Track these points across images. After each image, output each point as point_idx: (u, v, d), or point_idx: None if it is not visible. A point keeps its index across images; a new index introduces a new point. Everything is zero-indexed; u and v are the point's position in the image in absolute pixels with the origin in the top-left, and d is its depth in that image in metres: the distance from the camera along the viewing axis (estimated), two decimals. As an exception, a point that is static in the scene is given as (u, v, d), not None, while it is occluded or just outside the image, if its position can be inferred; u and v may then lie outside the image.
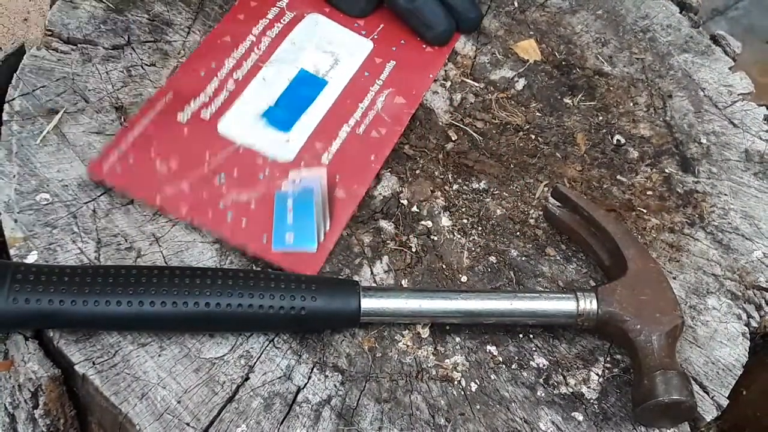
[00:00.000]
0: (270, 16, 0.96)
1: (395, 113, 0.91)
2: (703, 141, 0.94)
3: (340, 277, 0.81)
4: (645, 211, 0.89)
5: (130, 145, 0.84)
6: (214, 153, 0.85)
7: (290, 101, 0.90)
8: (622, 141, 0.94)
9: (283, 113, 0.89)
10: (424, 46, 0.97)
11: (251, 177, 0.84)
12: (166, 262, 0.79)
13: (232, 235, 0.80)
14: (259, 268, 0.79)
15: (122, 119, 0.86)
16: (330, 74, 0.93)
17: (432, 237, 0.85)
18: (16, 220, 0.79)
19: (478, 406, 0.75)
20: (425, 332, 0.78)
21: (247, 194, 0.83)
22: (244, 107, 0.88)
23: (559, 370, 0.78)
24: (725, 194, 0.91)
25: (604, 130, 0.95)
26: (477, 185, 0.89)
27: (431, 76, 0.95)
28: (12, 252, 0.77)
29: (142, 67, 0.90)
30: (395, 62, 0.95)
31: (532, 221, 0.87)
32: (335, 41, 0.95)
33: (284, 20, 0.96)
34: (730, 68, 1.01)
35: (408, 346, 0.78)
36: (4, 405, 0.75)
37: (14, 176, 0.81)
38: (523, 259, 0.84)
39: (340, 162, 0.87)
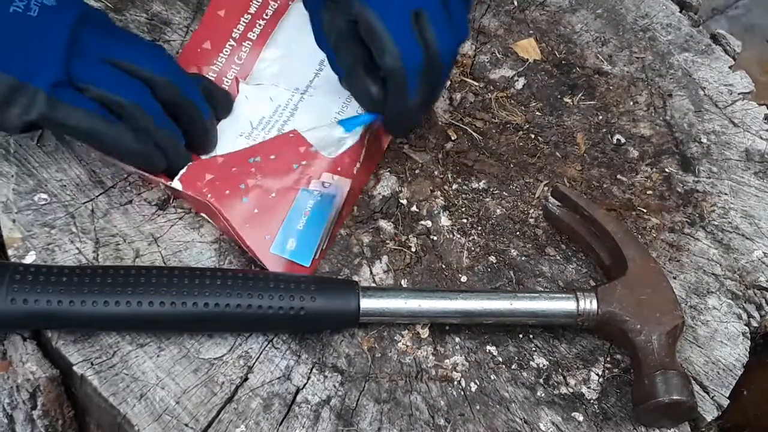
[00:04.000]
0: (252, 9, 0.91)
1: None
2: (704, 140, 0.94)
3: (339, 277, 0.81)
4: (645, 210, 0.88)
5: None
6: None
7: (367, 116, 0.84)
8: (622, 140, 0.94)
9: (354, 119, 0.84)
10: None
11: (287, 164, 0.80)
12: (164, 263, 0.79)
13: (237, 222, 0.77)
14: (258, 269, 0.79)
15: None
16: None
17: (431, 237, 0.84)
18: (14, 220, 0.78)
19: (477, 407, 0.75)
20: (425, 332, 0.78)
21: (274, 180, 0.80)
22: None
23: (559, 370, 0.78)
24: (725, 193, 0.90)
25: (604, 130, 0.94)
26: (477, 185, 0.88)
27: None
28: (10, 252, 0.77)
29: (140, 66, 0.90)
30: None
31: (531, 221, 0.87)
32: None
33: (267, 15, 0.91)
34: (730, 67, 1.00)
35: (407, 346, 0.77)
36: (2, 406, 0.75)
37: (12, 176, 0.81)
38: (523, 258, 0.84)
39: (360, 175, 0.84)
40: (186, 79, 0.81)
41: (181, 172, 0.79)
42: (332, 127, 0.83)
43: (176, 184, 0.78)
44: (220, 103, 0.86)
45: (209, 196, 0.77)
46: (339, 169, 0.82)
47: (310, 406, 0.73)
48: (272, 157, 0.81)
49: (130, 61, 0.77)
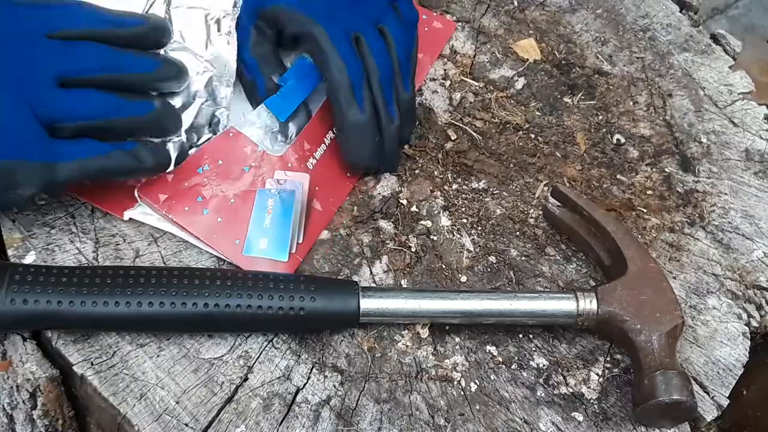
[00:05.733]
0: None
1: None
2: (703, 140, 0.94)
3: (339, 277, 0.81)
4: (645, 210, 0.88)
5: None
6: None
7: (289, 88, 0.86)
8: (622, 140, 0.94)
9: (280, 99, 0.86)
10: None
11: (236, 168, 0.82)
12: (164, 263, 0.79)
13: (204, 234, 0.78)
14: (257, 269, 0.79)
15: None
16: None
17: (431, 237, 0.84)
18: (14, 220, 0.78)
19: (477, 407, 0.75)
20: (425, 332, 0.78)
21: (229, 186, 0.81)
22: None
23: (559, 370, 0.78)
24: (725, 193, 0.90)
25: (604, 130, 0.94)
26: (476, 185, 0.88)
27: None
28: (10, 252, 0.77)
29: (140, 66, 0.90)
30: None
31: (531, 221, 0.87)
32: None
33: None
34: (730, 67, 1.01)
35: (407, 346, 0.77)
36: (2, 406, 0.75)
37: (12, 176, 0.81)
38: (523, 258, 0.84)
39: (322, 171, 0.85)
40: (130, 62, 0.77)
41: (136, 194, 0.79)
42: (263, 115, 0.84)
43: (133, 214, 0.79)
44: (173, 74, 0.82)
45: (171, 217, 0.78)
46: (289, 165, 0.83)
47: (310, 406, 0.73)
48: (220, 162, 0.81)
49: (78, 71, 0.74)
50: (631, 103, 0.97)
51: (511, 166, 0.90)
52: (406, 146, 0.90)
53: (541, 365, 0.78)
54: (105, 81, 0.75)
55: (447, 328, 0.79)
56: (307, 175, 0.84)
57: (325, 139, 0.86)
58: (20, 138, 0.70)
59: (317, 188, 0.84)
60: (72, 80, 0.74)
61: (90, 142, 0.74)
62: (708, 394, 0.77)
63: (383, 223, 0.85)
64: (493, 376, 0.77)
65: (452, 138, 0.91)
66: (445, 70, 0.97)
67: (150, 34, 0.80)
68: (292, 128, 0.86)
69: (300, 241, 0.81)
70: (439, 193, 0.87)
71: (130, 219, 0.80)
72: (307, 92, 0.87)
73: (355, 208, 0.85)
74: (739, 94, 0.98)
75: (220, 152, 0.82)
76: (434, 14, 1.00)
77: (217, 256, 0.79)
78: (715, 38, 1.04)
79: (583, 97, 0.97)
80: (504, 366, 0.77)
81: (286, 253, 0.79)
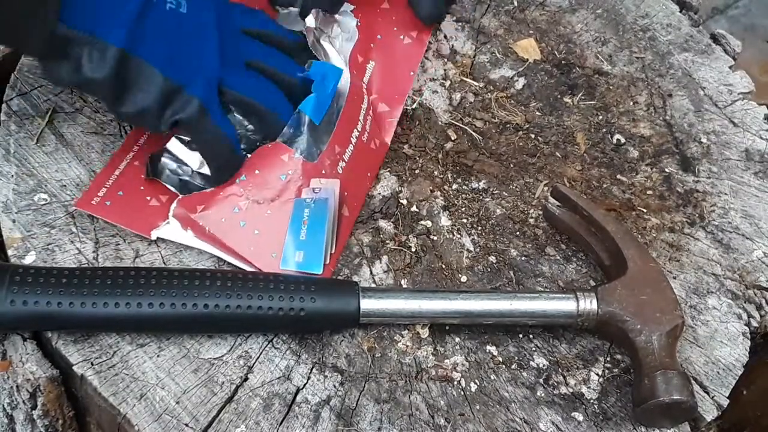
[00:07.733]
0: None
1: (382, 122, 0.88)
2: (704, 140, 0.94)
3: (339, 277, 0.81)
4: (645, 210, 0.88)
5: (118, 177, 0.81)
6: None
7: (317, 90, 0.82)
8: (622, 140, 0.94)
9: (314, 102, 0.81)
10: (402, 37, 0.94)
11: (273, 177, 0.79)
12: (164, 263, 0.79)
13: (240, 247, 0.77)
14: (257, 270, 0.79)
15: (121, 127, 0.86)
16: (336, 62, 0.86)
17: (431, 237, 0.84)
18: (14, 220, 0.78)
19: (477, 407, 0.75)
20: (425, 332, 0.78)
21: (265, 197, 0.79)
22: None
23: (559, 370, 0.78)
24: (725, 193, 0.90)
25: (604, 130, 0.94)
26: (476, 185, 0.88)
27: (412, 73, 0.92)
28: (10, 252, 0.77)
29: (140, 66, 0.90)
30: (374, 62, 0.90)
31: (531, 221, 0.87)
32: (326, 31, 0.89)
33: None
34: (730, 67, 1.00)
35: (407, 346, 0.77)
36: (3, 406, 0.75)
37: (12, 176, 0.81)
38: (523, 258, 0.84)
39: (350, 173, 0.82)
40: (302, 77, 0.85)
41: (173, 207, 0.79)
42: (297, 120, 0.81)
43: (172, 221, 0.79)
44: None
45: (207, 229, 0.78)
46: (323, 171, 0.81)
47: (310, 406, 0.73)
48: (257, 172, 0.80)
49: (264, 62, 0.82)
50: (631, 103, 0.97)
51: (511, 166, 0.90)
52: (405, 146, 0.90)
53: (541, 365, 0.78)
54: (273, 75, 0.83)
55: (447, 328, 0.79)
56: (337, 180, 0.81)
57: (351, 139, 0.83)
58: (198, 71, 0.76)
59: (346, 193, 0.82)
60: (254, 66, 0.83)
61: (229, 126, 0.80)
62: (708, 394, 0.77)
63: (383, 223, 0.84)
64: (493, 376, 0.77)
65: (452, 138, 0.91)
66: (445, 70, 0.97)
67: (302, 53, 0.88)
68: (321, 132, 0.82)
69: (333, 251, 0.80)
70: (439, 193, 0.87)
71: (158, 238, 0.79)
72: (334, 91, 0.84)
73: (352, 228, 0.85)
74: (739, 94, 0.98)
75: (258, 161, 0.80)
76: None
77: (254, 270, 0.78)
78: (715, 38, 1.04)
79: (583, 97, 0.97)
80: (504, 366, 0.77)
81: (320, 265, 0.78)
